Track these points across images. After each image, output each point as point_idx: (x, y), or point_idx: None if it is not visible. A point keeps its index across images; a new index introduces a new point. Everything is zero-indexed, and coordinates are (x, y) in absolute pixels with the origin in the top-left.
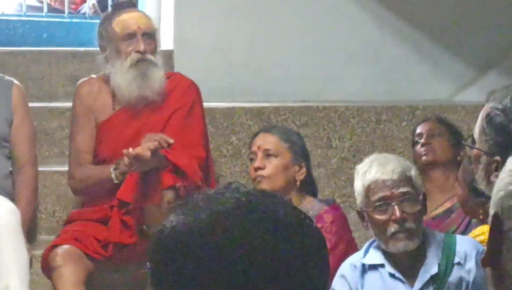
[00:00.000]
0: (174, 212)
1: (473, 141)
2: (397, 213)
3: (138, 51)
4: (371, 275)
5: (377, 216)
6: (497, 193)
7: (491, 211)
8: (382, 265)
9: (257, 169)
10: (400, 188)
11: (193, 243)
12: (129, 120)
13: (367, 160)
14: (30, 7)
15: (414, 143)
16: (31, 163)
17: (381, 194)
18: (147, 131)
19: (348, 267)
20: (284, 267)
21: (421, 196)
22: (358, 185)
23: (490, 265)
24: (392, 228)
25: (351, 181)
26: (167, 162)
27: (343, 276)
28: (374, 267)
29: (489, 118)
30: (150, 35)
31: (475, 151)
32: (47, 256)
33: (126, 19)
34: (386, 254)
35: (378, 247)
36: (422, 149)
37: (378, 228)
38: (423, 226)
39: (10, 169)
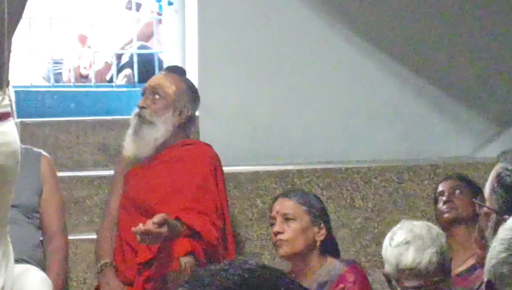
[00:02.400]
0: (181, 286)
1: (483, 198)
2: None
3: (138, 105)
4: None
5: None
6: (489, 260)
7: (485, 278)
8: None
9: (276, 233)
10: (434, 277)
11: None
12: (137, 178)
13: (402, 236)
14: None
15: (436, 201)
16: (61, 233)
17: (415, 283)
18: (157, 193)
19: None
20: None
21: (451, 277)
22: (391, 260)
23: None
24: None
25: (375, 240)
26: (181, 230)
27: None
28: None
29: (499, 178)
30: (160, 94)
31: (485, 209)
32: None
33: (151, 78)
34: None
35: None
36: (444, 206)
37: None
38: None
39: (41, 238)
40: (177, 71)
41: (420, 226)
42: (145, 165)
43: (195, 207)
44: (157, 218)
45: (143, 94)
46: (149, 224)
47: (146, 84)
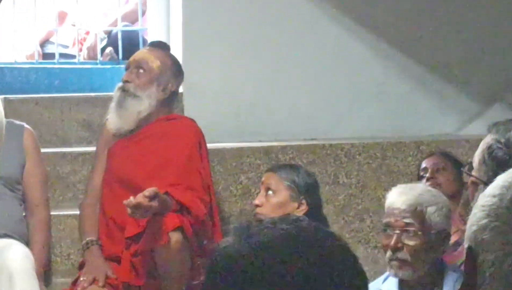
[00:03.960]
0: (232, 232)
1: (471, 168)
2: (392, 241)
3: (122, 80)
4: None
5: (382, 239)
6: (470, 227)
7: (465, 245)
8: None
9: (256, 205)
10: (404, 219)
11: (237, 267)
12: (119, 151)
13: (401, 185)
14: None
15: (420, 178)
16: (44, 205)
17: (387, 220)
18: (142, 169)
19: None
20: None
21: (432, 232)
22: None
23: None
24: (387, 253)
25: (359, 216)
26: (171, 205)
27: None
28: None
29: (491, 150)
30: (144, 69)
31: (472, 178)
32: None
33: (136, 52)
34: (402, 282)
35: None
36: (428, 183)
37: (383, 249)
38: (429, 260)
39: (24, 214)
40: (161, 46)
41: None
42: (129, 140)
43: (183, 182)
44: (148, 191)
45: (127, 68)
46: (140, 197)
47: (130, 59)
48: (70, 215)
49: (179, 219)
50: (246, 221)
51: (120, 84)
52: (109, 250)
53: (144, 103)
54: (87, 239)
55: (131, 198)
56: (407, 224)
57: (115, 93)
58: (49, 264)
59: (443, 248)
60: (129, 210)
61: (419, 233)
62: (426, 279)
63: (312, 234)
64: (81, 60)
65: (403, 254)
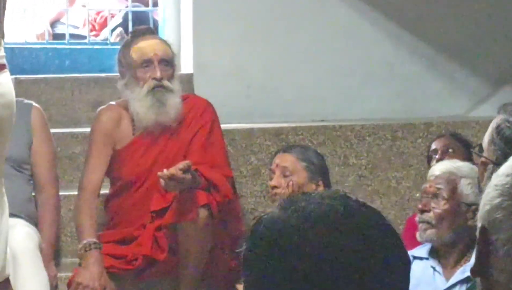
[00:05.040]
0: (279, 204)
1: (481, 149)
2: (421, 204)
3: (154, 78)
4: (415, 265)
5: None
6: (483, 207)
7: (479, 224)
8: (427, 258)
9: (273, 187)
10: (437, 185)
11: (281, 238)
12: (149, 144)
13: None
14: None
15: (430, 159)
16: (52, 183)
17: (424, 186)
18: (168, 154)
19: None
20: (367, 279)
21: (460, 202)
22: None
23: (480, 274)
24: (417, 216)
25: (369, 197)
26: (200, 181)
27: None
28: (419, 258)
29: (499, 130)
30: (167, 62)
31: (482, 159)
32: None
33: (144, 47)
34: (432, 248)
35: None
36: None
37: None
38: (453, 228)
39: (33, 194)
40: (155, 32)
41: None
42: (150, 133)
43: (207, 160)
44: (182, 164)
45: (145, 65)
46: (174, 169)
47: (150, 55)
48: None
49: (207, 196)
50: (295, 195)
51: (154, 82)
52: (122, 232)
53: (178, 95)
54: (87, 241)
55: (165, 170)
56: (438, 189)
57: (148, 92)
58: (58, 242)
59: (472, 221)
60: (162, 182)
61: (447, 199)
62: (454, 249)
63: (359, 212)
64: (91, 40)
65: (429, 217)
